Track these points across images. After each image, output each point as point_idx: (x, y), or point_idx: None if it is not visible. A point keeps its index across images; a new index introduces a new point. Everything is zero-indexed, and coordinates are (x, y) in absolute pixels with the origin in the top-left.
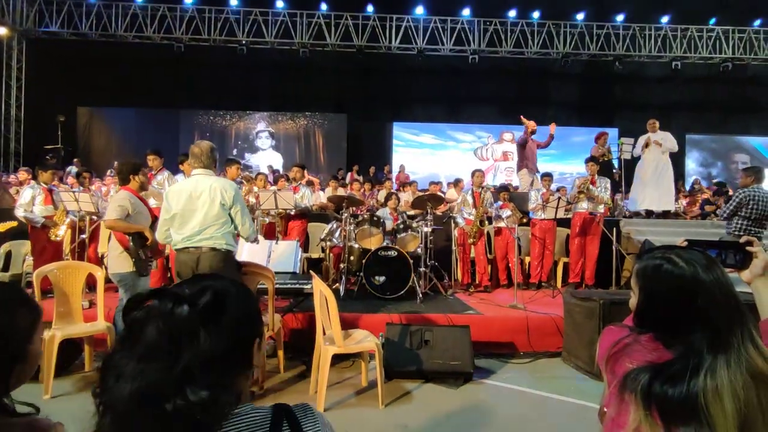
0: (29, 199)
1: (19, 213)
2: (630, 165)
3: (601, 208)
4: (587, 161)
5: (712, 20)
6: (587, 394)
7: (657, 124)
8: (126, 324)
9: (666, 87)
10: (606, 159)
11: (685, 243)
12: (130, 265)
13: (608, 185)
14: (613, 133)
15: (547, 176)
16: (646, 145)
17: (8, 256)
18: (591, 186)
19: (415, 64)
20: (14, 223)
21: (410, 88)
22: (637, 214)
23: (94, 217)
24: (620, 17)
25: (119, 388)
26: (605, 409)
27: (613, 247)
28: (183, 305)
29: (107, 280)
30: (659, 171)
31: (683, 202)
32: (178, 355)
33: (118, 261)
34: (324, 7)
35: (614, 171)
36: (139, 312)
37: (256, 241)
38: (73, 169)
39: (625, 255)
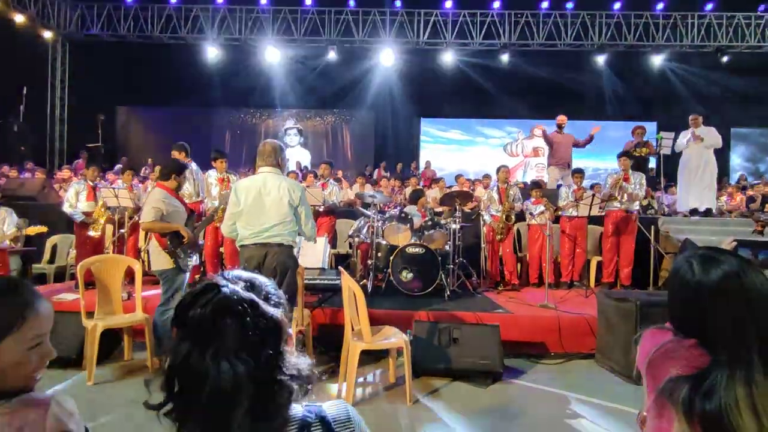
0: (74, 194)
1: (65, 208)
2: (669, 160)
3: (636, 206)
4: (620, 156)
5: (761, 7)
6: (623, 398)
7: (700, 120)
8: (190, 322)
9: (709, 78)
10: (641, 154)
11: (734, 244)
12: (171, 262)
13: (643, 181)
14: (651, 127)
15: (579, 173)
16: (688, 140)
17: (54, 249)
18: (624, 183)
19: (444, 58)
20: (44, 228)
21: (438, 84)
22: (676, 212)
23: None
24: (660, 5)
25: (209, 388)
26: (645, 414)
27: (651, 246)
28: (262, 298)
29: (144, 273)
30: (702, 167)
31: (725, 199)
32: (264, 348)
33: (159, 258)
34: (352, 2)
35: (650, 168)
36: (204, 308)
37: (314, 240)
38: (119, 166)
39: (663, 254)
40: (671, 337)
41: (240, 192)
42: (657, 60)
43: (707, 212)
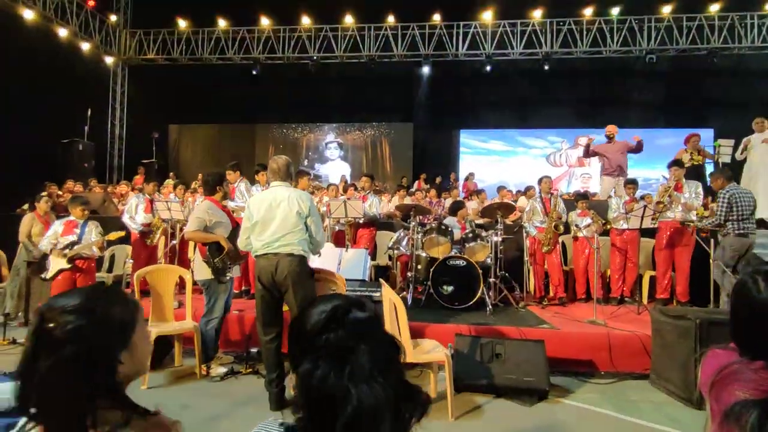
0: (133, 207)
1: (125, 219)
2: (730, 169)
3: (693, 216)
4: (670, 165)
5: None
6: (680, 423)
7: (766, 123)
8: (327, 344)
9: None
10: (695, 163)
11: None
12: (210, 272)
13: (699, 190)
14: (707, 134)
15: (632, 183)
16: (745, 147)
17: (112, 258)
18: (676, 192)
19: (482, 69)
20: (122, 233)
21: (478, 94)
22: None
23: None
24: (714, 7)
25: (350, 411)
26: None
27: (711, 261)
28: (378, 321)
29: (194, 283)
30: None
31: None
32: (392, 367)
33: (201, 268)
34: (391, 18)
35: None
36: (337, 332)
37: (317, 253)
38: (170, 182)
39: (724, 269)
40: (736, 358)
41: (252, 207)
42: (711, 63)
43: None
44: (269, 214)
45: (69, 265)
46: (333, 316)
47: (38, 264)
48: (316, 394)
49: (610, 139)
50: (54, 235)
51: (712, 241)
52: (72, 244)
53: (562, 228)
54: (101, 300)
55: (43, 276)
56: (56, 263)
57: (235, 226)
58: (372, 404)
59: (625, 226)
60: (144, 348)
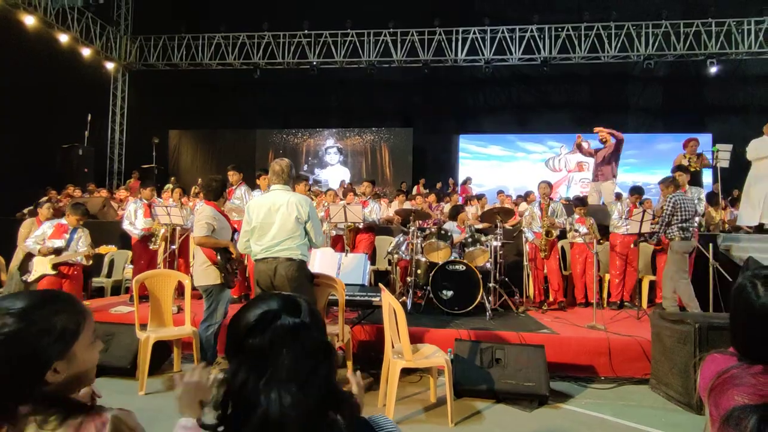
0: (132, 212)
1: (125, 225)
2: (728, 174)
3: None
4: (674, 171)
5: None
6: (681, 428)
7: None
8: (251, 349)
9: None
10: (695, 168)
11: None
12: (217, 277)
13: (702, 196)
14: (705, 138)
15: (637, 192)
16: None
17: (111, 264)
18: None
19: (481, 74)
20: (113, 248)
21: (477, 100)
22: (737, 229)
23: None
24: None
25: (259, 417)
26: None
27: (710, 266)
28: (309, 328)
29: (193, 288)
30: None
31: None
32: (315, 376)
33: (204, 273)
34: (391, 24)
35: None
36: (262, 337)
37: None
38: (170, 186)
39: (724, 274)
40: (736, 362)
41: (252, 210)
42: (710, 69)
43: None
44: (268, 218)
45: (54, 272)
46: (261, 320)
47: (21, 265)
48: (234, 397)
49: (604, 143)
50: (41, 235)
51: (710, 245)
52: (59, 251)
53: (554, 234)
54: (46, 307)
55: (24, 278)
56: (40, 266)
57: (234, 232)
58: (277, 412)
59: (625, 231)
60: (86, 357)
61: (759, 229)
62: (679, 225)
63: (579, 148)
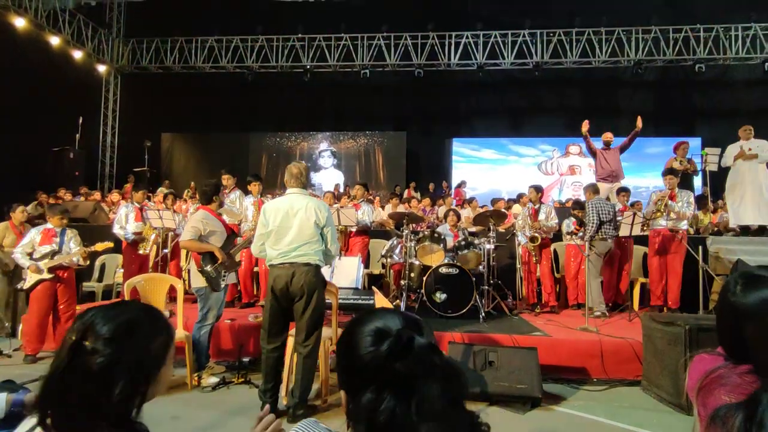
0: (123, 217)
1: (115, 229)
2: (717, 177)
3: (684, 224)
4: (665, 174)
5: None
6: (672, 429)
7: (752, 131)
8: (396, 375)
9: (756, 91)
10: (688, 171)
11: None
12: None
13: (691, 199)
14: (694, 142)
15: (624, 191)
16: (740, 155)
17: (102, 268)
18: (670, 201)
19: (474, 79)
20: (110, 244)
21: (470, 104)
22: (726, 231)
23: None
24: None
25: None
26: None
27: (700, 268)
28: (438, 351)
29: (185, 292)
30: (757, 183)
31: None
32: (457, 410)
33: (197, 276)
34: (384, 28)
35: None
36: (407, 362)
37: (329, 264)
38: (163, 190)
39: (713, 276)
40: (723, 362)
41: (268, 213)
42: (698, 74)
43: (762, 230)
44: (286, 222)
45: (50, 275)
46: (398, 341)
47: (11, 273)
48: (382, 428)
49: (607, 145)
50: (30, 243)
51: (700, 248)
52: (53, 254)
53: (539, 238)
54: (143, 330)
55: (19, 286)
56: (34, 272)
57: (230, 234)
58: None
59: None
60: (167, 377)
61: (744, 230)
62: (598, 228)
63: (586, 139)
